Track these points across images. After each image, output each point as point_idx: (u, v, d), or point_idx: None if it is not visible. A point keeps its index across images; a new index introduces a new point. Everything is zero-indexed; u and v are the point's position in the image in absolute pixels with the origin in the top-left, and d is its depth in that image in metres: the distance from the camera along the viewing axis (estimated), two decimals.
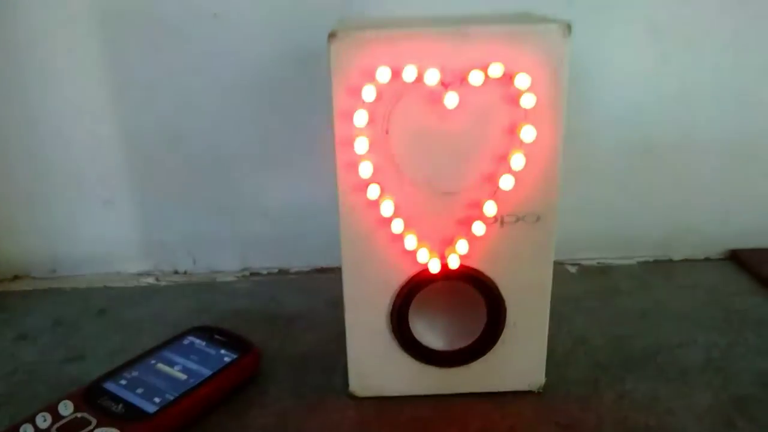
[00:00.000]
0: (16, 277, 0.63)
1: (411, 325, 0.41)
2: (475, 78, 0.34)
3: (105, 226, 0.61)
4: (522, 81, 0.34)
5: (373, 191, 0.37)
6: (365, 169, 0.36)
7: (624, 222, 0.61)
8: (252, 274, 0.62)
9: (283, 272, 0.63)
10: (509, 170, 0.36)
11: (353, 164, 0.36)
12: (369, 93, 0.34)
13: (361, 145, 0.36)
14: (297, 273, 0.62)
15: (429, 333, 0.42)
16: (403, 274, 0.39)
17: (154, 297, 0.59)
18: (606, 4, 0.54)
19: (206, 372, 0.44)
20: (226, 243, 0.62)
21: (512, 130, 0.36)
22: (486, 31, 0.34)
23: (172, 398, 0.41)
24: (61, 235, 0.62)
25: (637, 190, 0.60)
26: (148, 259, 0.63)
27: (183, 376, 0.43)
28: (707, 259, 0.61)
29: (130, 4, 0.54)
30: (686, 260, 0.61)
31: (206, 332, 0.48)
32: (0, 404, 0.44)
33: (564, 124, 0.36)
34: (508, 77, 0.34)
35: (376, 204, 0.37)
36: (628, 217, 0.61)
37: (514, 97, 0.35)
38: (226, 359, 0.45)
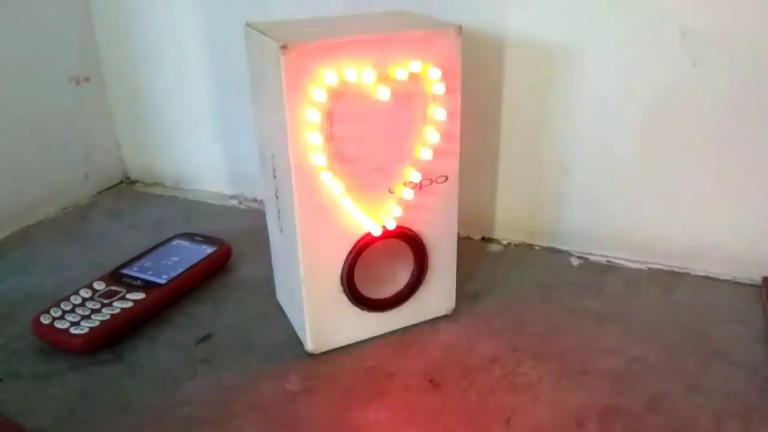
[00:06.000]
0: (131, 181, 0.82)
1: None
2: (400, 74, 0.42)
3: (210, 155, 0.77)
4: (433, 73, 0.44)
5: (325, 176, 0.43)
6: (318, 158, 0.43)
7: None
8: None
9: None
10: (426, 144, 0.46)
11: (306, 155, 0.42)
12: (318, 94, 0.41)
13: (314, 138, 0.42)
14: None
15: (368, 286, 0.50)
16: (351, 242, 0.47)
17: (231, 216, 0.73)
18: None
19: (195, 258, 0.59)
20: None
21: (426, 113, 0.45)
22: (406, 36, 0.43)
23: (175, 274, 0.57)
24: (176, 157, 0.79)
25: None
26: (237, 186, 0.77)
27: (179, 262, 0.59)
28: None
29: None
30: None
31: (189, 236, 0.63)
32: None
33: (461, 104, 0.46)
34: (423, 71, 0.43)
35: (326, 187, 0.44)
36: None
37: (427, 86, 0.44)
38: (208, 251, 0.61)
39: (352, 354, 0.49)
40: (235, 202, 0.76)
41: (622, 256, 0.62)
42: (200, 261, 0.59)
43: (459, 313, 0.54)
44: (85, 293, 0.54)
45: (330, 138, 0.43)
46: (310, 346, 0.49)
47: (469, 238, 0.67)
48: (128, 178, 0.83)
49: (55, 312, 0.52)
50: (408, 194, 0.47)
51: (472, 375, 0.47)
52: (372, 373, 0.47)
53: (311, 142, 0.42)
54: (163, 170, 0.81)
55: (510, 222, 0.66)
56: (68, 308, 0.52)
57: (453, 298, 0.54)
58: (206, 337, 0.52)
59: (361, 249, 0.47)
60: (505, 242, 0.66)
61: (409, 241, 0.49)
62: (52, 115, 0.73)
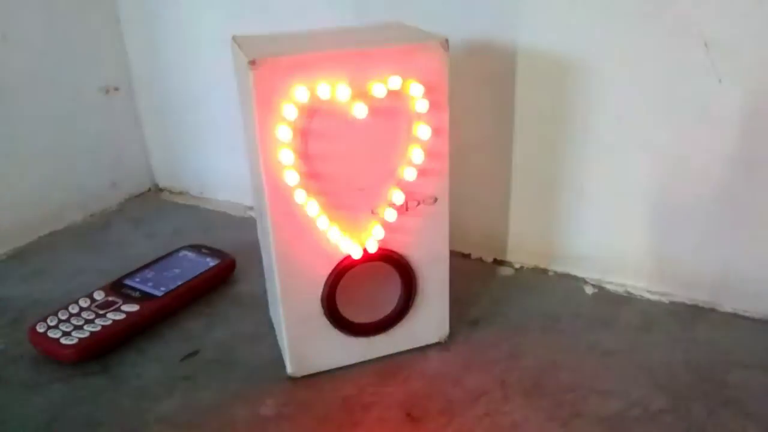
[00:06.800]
0: (159, 189, 0.84)
1: (338, 305, 0.47)
2: (378, 90, 0.40)
3: (231, 165, 0.76)
4: (416, 89, 0.41)
5: (300, 195, 0.42)
6: (291, 177, 0.41)
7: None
8: None
9: None
10: (411, 164, 0.43)
11: (279, 173, 0.41)
12: (290, 111, 0.39)
13: (287, 156, 0.40)
14: None
15: (353, 310, 0.48)
16: (330, 264, 0.45)
17: (247, 227, 0.69)
18: None
19: (197, 271, 0.59)
20: None
21: (410, 130, 0.43)
22: (384, 50, 0.40)
23: (173, 286, 0.57)
24: (201, 166, 0.80)
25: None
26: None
27: (180, 275, 0.58)
28: None
29: None
30: None
31: (195, 248, 0.63)
32: None
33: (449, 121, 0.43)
34: (404, 87, 0.41)
35: (302, 206, 0.42)
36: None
37: (410, 103, 0.42)
38: (211, 264, 0.61)
39: (332, 380, 0.47)
40: (253, 214, 0.76)
41: (641, 286, 0.57)
42: (201, 274, 0.59)
43: (454, 340, 0.51)
44: (84, 303, 0.55)
45: (305, 156, 0.41)
46: (290, 369, 0.48)
47: (480, 260, 0.63)
48: (157, 186, 0.84)
49: (51, 321, 0.52)
50: (391, 215, 0.45)
51: (453, 410, 0.44)
52: (349, 403, 0.45)
53: (284, 160, 0.41)
54: (189, 179, 0.82)
55: (524, 244, 0.62)
56: (64, 317, 0.53)
57: (446, 325, 0.51)
58: (193, 354, 0.51)
59: (342, 272, 0.45)
60: (517, 265, 0.62)
61: (394, 265, 0.47)
62: (82, 124, 0.75)
